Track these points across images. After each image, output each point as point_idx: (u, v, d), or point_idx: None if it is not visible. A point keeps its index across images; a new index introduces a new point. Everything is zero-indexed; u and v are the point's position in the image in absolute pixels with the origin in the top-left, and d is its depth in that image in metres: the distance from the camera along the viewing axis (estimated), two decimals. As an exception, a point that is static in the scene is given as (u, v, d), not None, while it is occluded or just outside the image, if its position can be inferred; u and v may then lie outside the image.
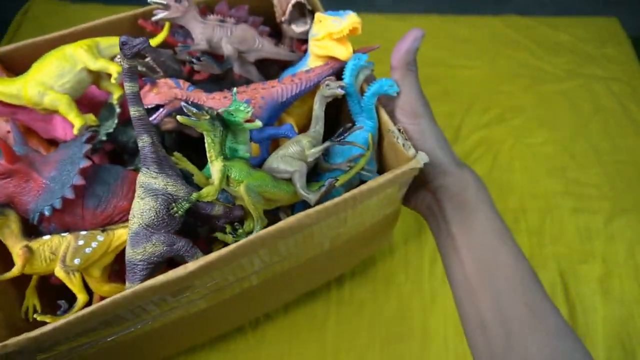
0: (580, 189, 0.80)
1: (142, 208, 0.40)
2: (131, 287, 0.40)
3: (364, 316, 0.66)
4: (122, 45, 0.37)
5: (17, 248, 0.40)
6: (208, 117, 0.41)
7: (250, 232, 0.44)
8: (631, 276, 0.70)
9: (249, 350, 0.63)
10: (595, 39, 1.01)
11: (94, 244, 0.42)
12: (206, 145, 0.43)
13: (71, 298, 0.42)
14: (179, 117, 0.40)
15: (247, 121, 0.43)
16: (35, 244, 0.41)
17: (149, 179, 0.41)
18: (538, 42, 1.01)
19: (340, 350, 0.64)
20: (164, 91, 0.47)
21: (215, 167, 0.42)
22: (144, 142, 0.41)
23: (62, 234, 0.42)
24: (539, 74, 0.96)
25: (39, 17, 1.03)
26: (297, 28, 0.56)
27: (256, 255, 0.42)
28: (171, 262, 0.45)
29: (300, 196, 0.44)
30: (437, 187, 0.48)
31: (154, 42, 0.53)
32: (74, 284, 0.41)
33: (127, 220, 0.44)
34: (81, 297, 0.41)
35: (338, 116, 0.61)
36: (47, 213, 0.41)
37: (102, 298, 0.46)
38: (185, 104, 0.41)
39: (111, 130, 0.51)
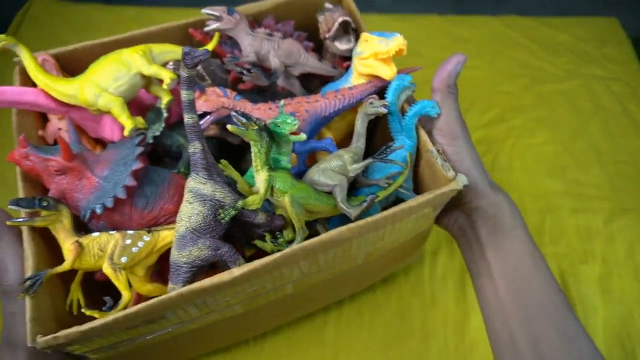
0: (580, 189, 0.80)
1: (190, 212, 0.42)
2: (174, 289, 0.42)
3: (363, 316, 0.66)
4: (185, 55, 0.39)
5: (68, 243, 0.41)
6: (256, 127, 0.42)
7: (290, 242, 0.46)
8: (631, 276, 0.70)
9: (249, 351, 0.63)
10: (595, 39, 1.01)
11: (140, 244, 0.43)
12: (252, 154, 0.44)
13: (111, 295, 0.43)
14: (228, 126, 0.41)
15: (292, 133, 0.44)
16: (85, 240, 0.42)
17: (198, 184, 0.42)
18: (538, 42, 1.01)
19: (340, 350, 0.64)
20: (212, 99, 0.49)
21: (260, 176, 0.44)
22: (195, 148, 0.42)
23: (110, 232, 0.43)
24: (539, 74, 0.96)
25: (39, 17, 1.03)
26: (341, 45, 0.57)
27: (297, 266, 0.43)
28: (211, 266, 0.46)
29: (340, 209, 0.45)
30: (472, 209, 0.49)
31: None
32: (120, 281, 0.42)
33: (171, 222, 0.46)
34: (126, 295, 0.42)
35: (374, 133, 0.62)
36: (98, 211, 0.42)
37: (139, 296, 0.48)
38: (235, 114, 0.42)
39: (158, 133, 0.53)
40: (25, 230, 0.42)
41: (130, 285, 0.43)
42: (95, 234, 0.43)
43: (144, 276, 0.45)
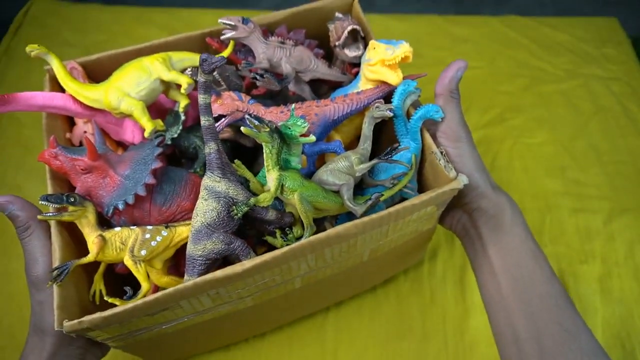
0: (580, 189, 0.80)
1: (205, 208, 0.44)
2: (190, 280, 0.44)
3: (363, 315, 0.67)
4: (202, 61, 0.42)
5: (92, 237, 0.45)
6: (268, 129, 0.45)
7: (299, 238, 0.48)
8: (631, 276, 0.70)
9: (249, 350, 0.65)
10: (595, 39, 1.01)
11: (158, 238, 0.46)
12: (264, 155, 0.47)
13: (131, 287, 0.46)
14: (242, 128, 0.44)
15: (302, 135, 0.47)
16: (107, 234, 0.45)
17: (213, 182, 0.45)
18: (538, 42, 1.01)
19: (339, 349, 0.65)
20: (228, 103, 0.52)
21: (271, 175, 0.46)
22: (211, 148, 0.45)
23: (131, 227, 0.46)
24: (539, 74, 0.96)
25: (39, 17, 1.04)
26: (350, 52, 0.60)
27: (304, 260, 0.46)
28: (225, 261, 0.49)
29: (347, 207, 0.48)
30: (474, 209, 0.51)
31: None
32: (139, 273, 0.45)
33: (188, 219, 0.49)
34: (145, 285, 0.45)
35: (380, 136, 0.64)
36: (120, 207, 0.46)
37: (157, 288, 0.51)
38: (248, 117, 0.45)
39: (176, 135, 0.56)
40: (53, 225, 0.45)
41: (148, 277, 0.46)
42: (117, 228, 0.46)
43: (161, 269, 0.48)
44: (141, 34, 1.01)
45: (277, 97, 0.61)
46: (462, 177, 0.48)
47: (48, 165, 0.47)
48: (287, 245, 0.43)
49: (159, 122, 0.54)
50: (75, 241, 0.47)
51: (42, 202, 0.43)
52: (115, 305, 0.41)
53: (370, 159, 0.51)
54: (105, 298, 0.44)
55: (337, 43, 0.60)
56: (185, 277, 0.46)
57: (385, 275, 0.68)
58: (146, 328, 0.46)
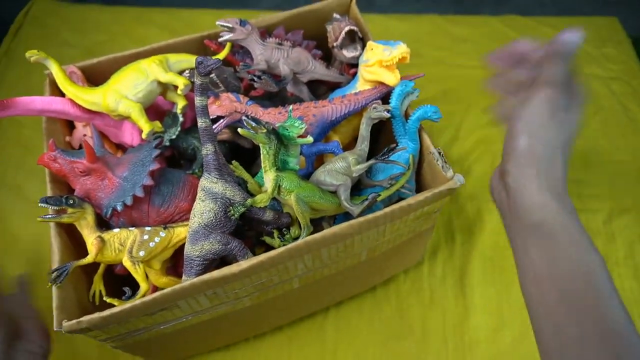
0: (580, 188, 0.79)
1: (202, 209, 0.45)
2: (188, 280, 0.45)
3: (363, 315, 0.67)
4: (198, 64, 0.42)
5: (91, 238, 0.45)
6: (265, 130, 0.45)
7: (297, 238, 0.49)
8: (631, 276, 0.70)
9: (248, 350, 0.65)
10: (595, 38, 1.00)
11: (156, 239, 0.46)
12: (262, 156, 0.47)
13: (130, 287, 0.46)
14: (239, 130, 0.45)
15: (300, 136, 0.47)
16: (106, 235, 0.46)
17: (210, 183, 0.45)
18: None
19: (339, 348, 0.65)
20: (226, 104, 0.52)
21: (268, 176, 0.47)
22: (208, 150, 0.45)
23: (129, 229, 0.47)
24: None
25: (40, 17, 1.04)
26: (348, 53, 0.60)
27: (301, 260, 0.46)
28: (222, 262, 0.49)
29: (344, 208, 0.48)
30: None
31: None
32: (138, 273, 0.45)
33: (186, 219, 0.49)
34: (143, 286, 0.45)
35: (379, 136, 0.64)
36: (119, 208, 0.46)
37: (155, 288, 0.51)
38: (245, 118, 0.45)
39: (174, 137, 0.56)
40: (52, 226, 0.46)
41: (147, 278, 0.47)
42: (116, 230, 0.47)
43: (159, 270, 0.48)
44: (141, 34, 1.01)
45: (276, 99, 0.61)
46: (458, 176, 0.48)
47: (47, 168, 0.48)
48: (284, 245, 0.43)
49: (157, 123, 0.54)
50: (75, 243, 0.48)
51: (42, 205, 0.43)
52: (114, 306, 0.42)
53: (368, 159, 0.51)
54: (105, 298, 0.44)
55: (335, 44, 0.61)
56: (184, 277, 0.46)
57: (385, 275, 0.68)
58: (145, 328, 0.46)
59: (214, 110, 0.52)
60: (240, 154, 0.60)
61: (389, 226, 0.48)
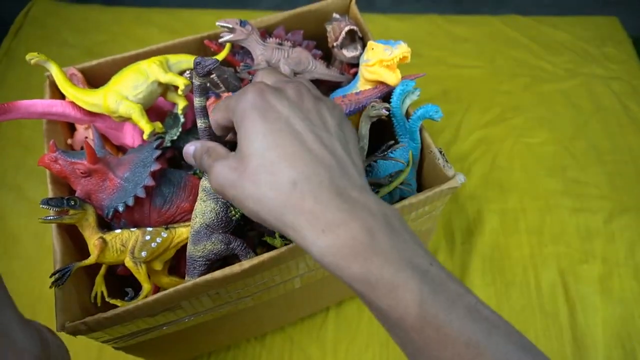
0: (580, 188, 0.80)
1: (204, 209, 0.45)
2: (191, 280, 0.45)
3: (363, 315, 0.67)
4: (196, 65, 0.42)
5: (93, 239, 0.45)
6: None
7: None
8: (631, 276, 0.70)
9: (250, 350, 0.65)
10: (595, 38, 1.01)
11: (158, 240, 0.47)
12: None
13: (132, 288, 0.46)
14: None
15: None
16: (108, 236, 0.46)
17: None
18: (538, 41, 1.01)
19: (339, 347, 0.65)
20: (226, 105, 0.52)
21: (270, 176, 0.47)
22: (209, 150, 0.45)
23: (131, 229, 0.47)
24: (539, 73, 0.96)
25: (40, 17, 1.04)
26: (348, 53, 0.60)
27: (302, 260, 0.46)
28: (225, 262, 0.49)
29: (345, 208, 0.48)
30: None
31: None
32: (140, 274, 0.45)
33: (187, 220, 0.49)
34: (146, 286, 0.45)
35: (381, 137, 0.64)
36: (120, 209, 0.46)
37: (157, 289, 0.51)
38: None
39: (175, 137, 0.56)
40: (54, 228, 0.46)
41: (149, 278, 0.47)
42: (118, 230, 0.47)
43: (162, 270, 0.48)
44: (141, 34, 1.01)
45: (276, 98, 0.61)
46: (459, 175, 0.48)
47: (48, 169, 0.47)
48: (286, 245, 0.43)
49: (158, 124, 0.54)
50: (76, 244, 0.48)
51: (43, 206, 0.43)
52: (116, 307, 0.42)
53: (368, 157, 0.51)
54: (107, 299, 0.44)
55: (335, 44, 0.61)
56: (186, 277, 0.46)
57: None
58: (148, 329, 0.46)
59: None
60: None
61: (391, 225, 0.48)
